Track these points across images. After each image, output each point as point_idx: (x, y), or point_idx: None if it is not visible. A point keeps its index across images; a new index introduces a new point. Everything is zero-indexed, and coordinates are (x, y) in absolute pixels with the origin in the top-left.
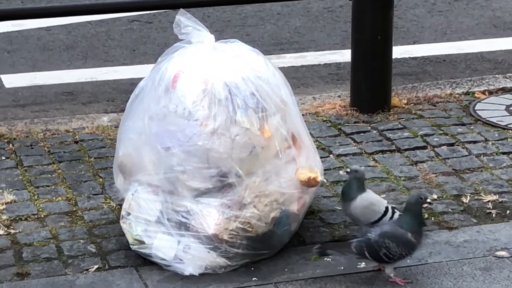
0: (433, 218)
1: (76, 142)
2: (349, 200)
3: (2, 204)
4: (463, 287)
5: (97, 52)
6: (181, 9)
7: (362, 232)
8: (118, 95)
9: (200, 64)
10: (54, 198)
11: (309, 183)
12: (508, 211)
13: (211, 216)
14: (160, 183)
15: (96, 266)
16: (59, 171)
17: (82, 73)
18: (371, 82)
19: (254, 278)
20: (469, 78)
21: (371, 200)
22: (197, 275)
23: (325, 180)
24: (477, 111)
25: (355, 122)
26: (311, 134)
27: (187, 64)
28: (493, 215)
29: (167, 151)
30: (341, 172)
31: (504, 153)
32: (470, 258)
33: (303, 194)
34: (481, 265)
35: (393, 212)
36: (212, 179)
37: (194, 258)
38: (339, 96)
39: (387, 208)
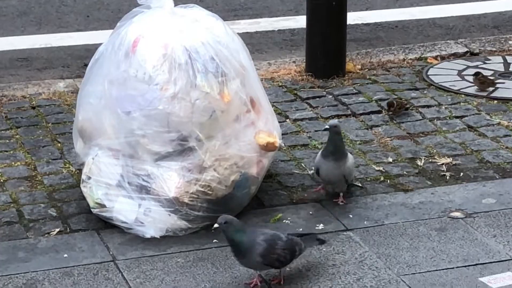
0: (388, 181)
1: (33, 108)
2: (342, 158)
3: None
4: (419, 247)
5: (50, 18)
6: None
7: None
8: (73, 61)
9: (160, 28)
10: (13, 163)
11: (267, 148)
12: (461, 173)
13: (172, 179)
14: (121, 147)
15: (57, 230)
16: (17, 136)
17: (36, 39)
18: (326, 47)
19: (214, 240)
20: (421, 44)
21: (353, 158)
22: (158, 237)
23: (283, 145)
24: (430, 76)
25: (310, 87)
26: None
27: (147, 28)
28: (447, 177)
29: (128, 115)
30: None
31: (457, 117)
32: (425, 219)
33: (262, 158)
34: (436, 225)
35: None
36: (173, 143)
37: (155, 221)
38: (294, 62)
39: None
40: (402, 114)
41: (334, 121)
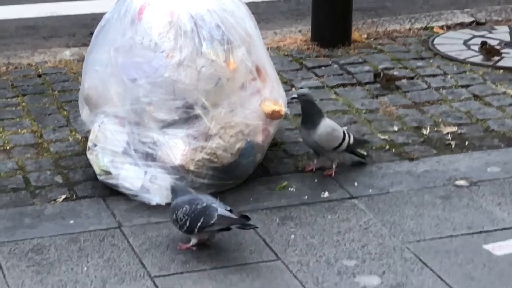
0: (394, 149)
1: (39, 76)
2: (313, 126)
3: None
4: (424, 215)
5: None
6: None
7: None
8: (79, 30)
9: None
10: (19, 130)
11: (273, 116)
12: (466, 142)
13: (178, 147)
14: (127, 114)
15: (63, 196)
16: (23, 104)
17: (42, 8)
18: (332, 17)
19: None
20: (427, 13)
21: (333, 125)
22: (164, 204)
23: (288, 113)
24: (435, 46)
25: (316, 56)
26: None
27: None
28: (452, 146)
29: (133, 82)
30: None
31: (462, 86)
32: (430, 187)
33: (267, 126)
34: (441, 193)
35: (349, 136)
36: (178, 110)
37: (160, 188)
38: (300, 31)
39: (343, 132)
40: (393, 87)
41: (303, 90)
